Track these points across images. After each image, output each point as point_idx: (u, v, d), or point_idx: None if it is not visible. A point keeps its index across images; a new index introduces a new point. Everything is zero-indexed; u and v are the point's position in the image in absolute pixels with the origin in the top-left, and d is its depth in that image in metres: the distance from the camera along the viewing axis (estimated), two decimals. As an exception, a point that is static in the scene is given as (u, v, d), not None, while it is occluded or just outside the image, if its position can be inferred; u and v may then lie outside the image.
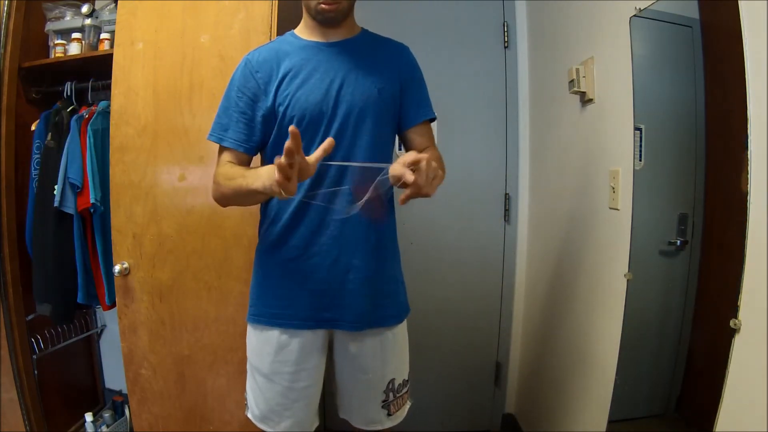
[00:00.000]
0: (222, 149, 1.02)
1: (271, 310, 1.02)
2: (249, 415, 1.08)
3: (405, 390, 1.11)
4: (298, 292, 1.01)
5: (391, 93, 1.02)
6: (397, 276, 1.10)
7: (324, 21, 0.97)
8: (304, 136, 0.94)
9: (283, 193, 0.75)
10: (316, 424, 1.10)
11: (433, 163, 0.78)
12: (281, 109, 0.97)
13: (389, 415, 1.08)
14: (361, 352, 1.04)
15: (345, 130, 0.96)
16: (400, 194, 0.80)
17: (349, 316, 1.00)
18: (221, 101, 1.02)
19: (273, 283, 1.03)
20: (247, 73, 0.99)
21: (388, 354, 1.06)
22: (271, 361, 1.02)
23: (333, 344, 1.07)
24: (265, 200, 1.02)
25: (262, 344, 1.03)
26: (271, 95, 0.97)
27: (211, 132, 1.01)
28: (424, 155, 0.77)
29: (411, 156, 0.77)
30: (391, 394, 1.07)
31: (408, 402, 1.13)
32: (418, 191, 0.77)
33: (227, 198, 1.00)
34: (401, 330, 1.09)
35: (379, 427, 1.09)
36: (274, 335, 1.01)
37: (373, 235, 1.01)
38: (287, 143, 0.70)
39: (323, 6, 0.93)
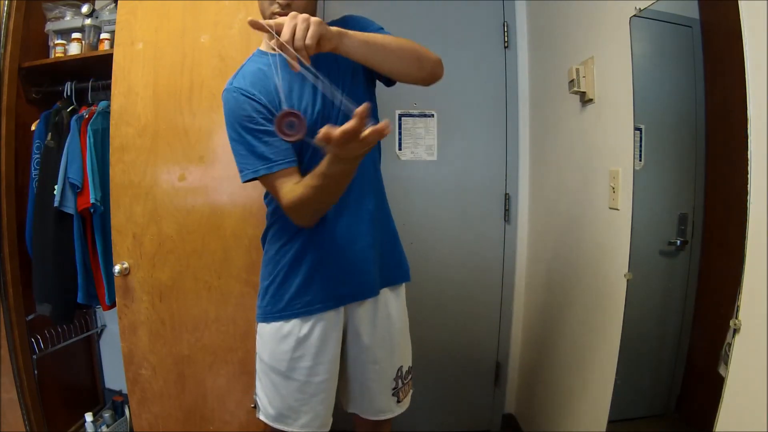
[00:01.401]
0: (275, 179, 0.94)
1: (290, 302, 1.02)
2: (262, 417, 1.08)
3: (410, 377, 1.17)
4: (313, 277, 1.02)
5: (363, 73, 1.03)
6: (394, 231, 1.14)
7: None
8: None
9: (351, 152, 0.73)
10: (330, 423, 1.10)
11: (302, 18, 0.74)
12: None
13: (398, 402, 1.13)
14: (372, 342, 1.07)
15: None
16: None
17: (366, 284, 1.04)
18: (236, 145, 0.95)
19: (287, 276, 1.04)
20: (246, 99, 0.94)
21: (396, 341, 1.11)
22: (290, 358, 1.03)
23: (346, 335, 1.09)
24: (346, 177, 0.89)
25: (279, 342, 1.03)
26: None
27: (245, 172, 0.94)
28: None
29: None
30: (400, 381, 1.12)
31: (411, 389, 1.19)
32: (292, 53, 0.73)
33: (315, 208, 0.94)
34: (402, 307, 1.14)
35: (390, 416, 1.13)
36: (294, 330, 1.02)
37: (371, 202, 1.04)
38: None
39: (277, 17, 0.90)
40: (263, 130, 0.93)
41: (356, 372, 1.11)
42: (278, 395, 1.05)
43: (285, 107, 0.72)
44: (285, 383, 1.04)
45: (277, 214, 1.04)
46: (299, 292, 1.02)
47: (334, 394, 1.09)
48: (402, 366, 1.13)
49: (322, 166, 0.82)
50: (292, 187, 0.91)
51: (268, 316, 1.05)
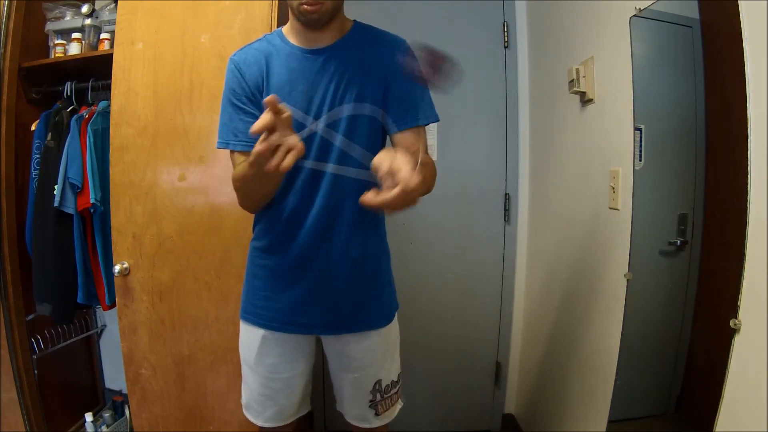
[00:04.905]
0: (234, 155, 0.99)
1: (257, 310, 1.05)
2: (242, 402, 1.12)
3: (394, 390, 1.09)
4: (279, 297, 1.02)
5: (372, 102, 0.97)
6: (384, 277, 1.07)
7: (307, 23, 0.92)
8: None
9: (268, 166, 0.75)
10: (303, 411, 1.12)
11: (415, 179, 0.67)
12: None
13: (377, 415, 1.08)
14: (347, 351, 1.04)
15: (329, 145, 0.95)
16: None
17: (327, 322, 1.02)
18: (221, 108, 1.01)
19: (257, 285, 1.05)
20: (237, 74, 0.98)
21: (374, 356, 1.05)
22: (257, 353, 1.04)
23: (322, 340, 1.08)
24: (274, 183, 0.94)
25: (249, 337, 1.06)
26: (259, 103, 0.97)
27: (219, 140, 0.99)
28: (411, 183, 0.66)
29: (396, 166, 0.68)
30: (378, 395, 1.06)
31: (399, 402, 1.12)
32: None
33: (243, 194, 0.98)
34: (390, 330, 1.07)
35: (368, 425, 1.09)
36: (260, 331, 1.04)
37: (358, 242, 1.00)
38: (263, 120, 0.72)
39: (305, 6, 0.88)
40: (241, 107, 0.97)
41: (334, 375, 1.11)
42: (247, 386, 1.08)
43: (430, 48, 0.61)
44: (253, 376, 1.06)
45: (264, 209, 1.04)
46: (267, 306, 1.03)
47: (302, 386, 1.08)
48: (381, 380, 1.05)
49: (246, 162, 0.85)
50: (240, 165, 0.95)
51: (242, 314, 1.08)
